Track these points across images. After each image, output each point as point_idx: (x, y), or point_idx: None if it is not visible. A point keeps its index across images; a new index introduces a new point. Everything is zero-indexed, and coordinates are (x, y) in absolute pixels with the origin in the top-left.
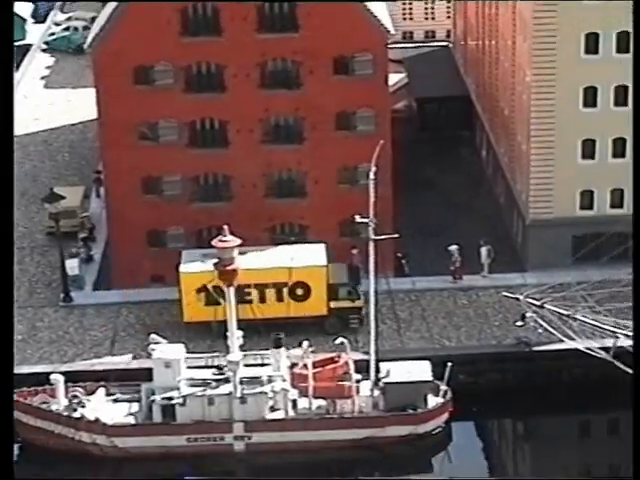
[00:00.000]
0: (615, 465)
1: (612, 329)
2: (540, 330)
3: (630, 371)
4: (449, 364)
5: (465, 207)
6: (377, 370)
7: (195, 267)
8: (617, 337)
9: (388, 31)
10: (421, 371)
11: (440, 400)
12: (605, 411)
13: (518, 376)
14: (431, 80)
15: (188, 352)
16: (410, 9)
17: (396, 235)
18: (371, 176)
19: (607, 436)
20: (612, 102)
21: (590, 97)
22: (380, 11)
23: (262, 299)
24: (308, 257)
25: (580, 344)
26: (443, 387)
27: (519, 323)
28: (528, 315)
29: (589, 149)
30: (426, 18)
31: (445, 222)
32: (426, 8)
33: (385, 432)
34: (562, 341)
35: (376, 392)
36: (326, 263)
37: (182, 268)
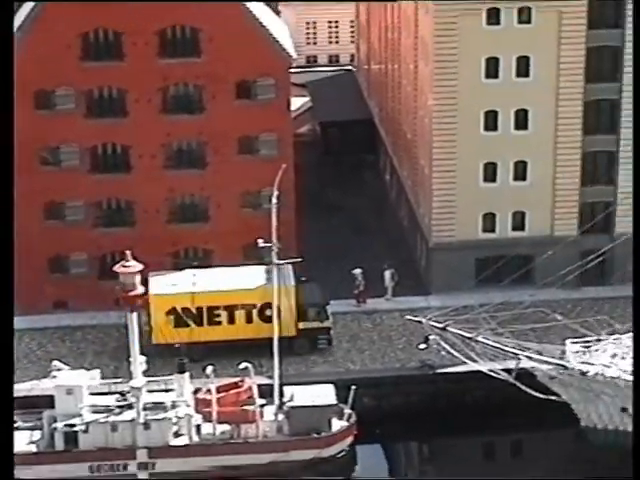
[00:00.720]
0: None
1: (514, 351)
2: (443, 353)
3: (533, 392)
4: (353, 387)
5: (369, 230)
6: (281, 394)
7: (165, 289)
8: (519, 359)
9: (290, 55)
10: (325, 395)
11: (344, 424)
12: (508, 432)
13: (422, 399)
14: (335, 104)
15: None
16: (314, 33)
17: (299, 259)
18: (273, 200)
19: (511, 458)
20: (513, 126)
21: (491, 121)
22: (282, 35)
23: (231, 320)
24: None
25: (483, 366)
26: (347, 410)
27: (422, 346)
28: (431, 338)
29: (490, 172)
30: (330, 42)
31: (349, 245)
32: (330, 32)
33: (289, 456)
34: (465, 363)
35: (280, 416)
36: (294, 283)
37: (151, 290)
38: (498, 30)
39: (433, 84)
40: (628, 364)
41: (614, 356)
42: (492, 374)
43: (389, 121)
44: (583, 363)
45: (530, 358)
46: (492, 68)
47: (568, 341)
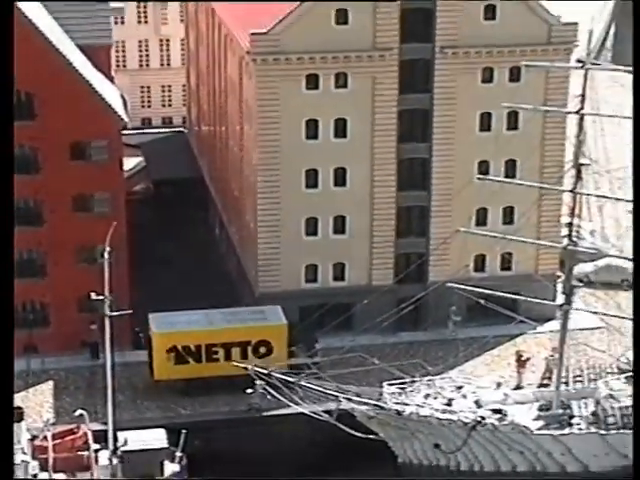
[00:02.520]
0: None
1: (334, 394)
2: (269, 397)
3: (353, 432)
4: (184, 431)
5: (199, 282)
6: (115, 439)
7: (166, 328)
8: (339, 401)
9: (122, 118)
10: (157, 439)
11: (176, 467)
12: (331, 471)
13: (250, 440)
14: (167, 163)
15: None
16: (149, 97)
17: (130, 311)
18: (105, 256)
19: None
20: (332, 183)
21: (312, 178)
22: (114, 100)
23: (228, 356)
24: (269, 317)
25: (305, 408)
26: (179, 454)
27: (249, 390)
28: (258, 383)
29: (312, 226)
30: (163, 105)
31: (181, 297)
32: (163, 96)
33: None
34: (289, 406)
35: (114, 461)
36: (286, 322)
37: (154, 329)
38: (317, 94)
39: (257, 144)
40: (440, 403)
41: (427, 396)
42: (314, 416)
43: (218, 179)
44: (398, 403)
45: (350, 400)
46: (312, 129)
47: (385, 383)
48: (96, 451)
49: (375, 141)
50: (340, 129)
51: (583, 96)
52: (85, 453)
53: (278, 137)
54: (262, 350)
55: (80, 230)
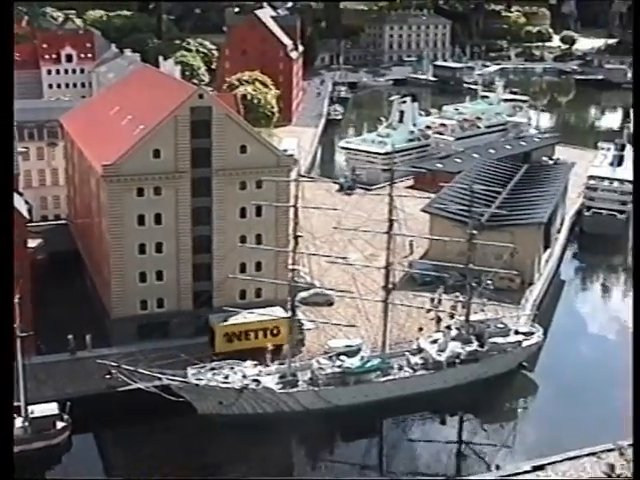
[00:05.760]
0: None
1: (159, 375)
2: (120, 380)
3: (169, 397)
4: (68, 403)
5: (76, 313)
6: (26, 410)
7: (222, 322)
8: (161, 380)
9: (25, 217)
10: (51, 409)
11: (64, 424)
12: (157, 420)
13: (109, 406)
14: (57, 242)
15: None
16: (45, 203)
17: (32, 332)
18: (16, 300)
19: (164, 436)
20: (154, 251)
21: (142, 249)
22: (21, 206)
23: (256, 337)
24: (279, 314)
25: (141, 385)
26: (66, 416)
27: (108, 376)
28: (113, 371)
29: (143, 277)
30: (55, 207)
31: (65, 322)
32: (54, 202)
33: (32, 446)
34: (130, 384)
35: (26, 423)
36: (288, 316)
37: (215, 323)
38: (143, 199)
39: (109, 230)
40: (221, 377)
41: (214, 374)
42: (147, 389)
43: (87, 251)
44: (197, 379)
45: (168, 378)
46: (141, 220)
47: (189, 367)
48: (14, 418)
49: (179, 226)
50: (158, 219)
51: (297, 196)
52: None
53: (121, 225)
54: (275, 332)
55: None
